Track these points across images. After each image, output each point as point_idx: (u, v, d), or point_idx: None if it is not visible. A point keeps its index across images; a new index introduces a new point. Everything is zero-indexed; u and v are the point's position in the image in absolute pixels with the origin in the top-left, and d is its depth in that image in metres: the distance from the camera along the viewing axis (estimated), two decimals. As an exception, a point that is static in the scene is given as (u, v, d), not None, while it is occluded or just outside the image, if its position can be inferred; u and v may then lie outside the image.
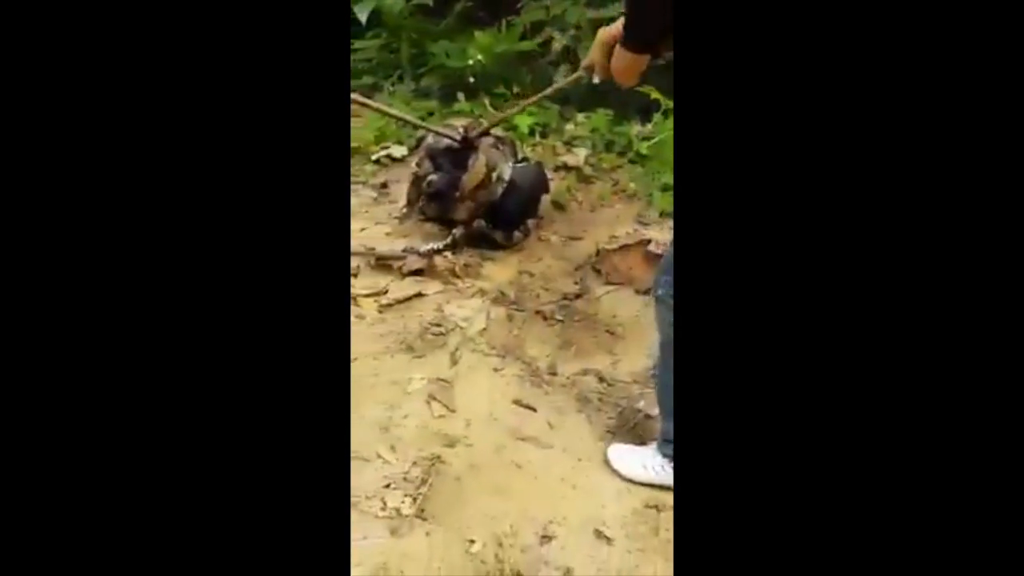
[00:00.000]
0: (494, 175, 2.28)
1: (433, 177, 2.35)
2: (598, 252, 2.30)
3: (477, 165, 2.28)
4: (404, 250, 2.27)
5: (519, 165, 2.38)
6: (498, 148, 2.34)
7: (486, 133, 2.35)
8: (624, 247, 2.27)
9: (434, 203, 2.38)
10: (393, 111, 2.56)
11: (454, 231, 2.35)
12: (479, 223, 2.33)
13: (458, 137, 2.30)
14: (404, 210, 2.58)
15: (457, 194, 2.30)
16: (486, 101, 3.06)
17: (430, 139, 2.42)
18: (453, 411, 1.71)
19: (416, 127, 2.64)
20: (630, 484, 1.52)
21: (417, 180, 2.43)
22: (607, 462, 1.54)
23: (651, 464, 1.50)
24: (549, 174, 2.54)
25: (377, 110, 2.41)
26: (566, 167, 2.65)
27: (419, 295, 2.13)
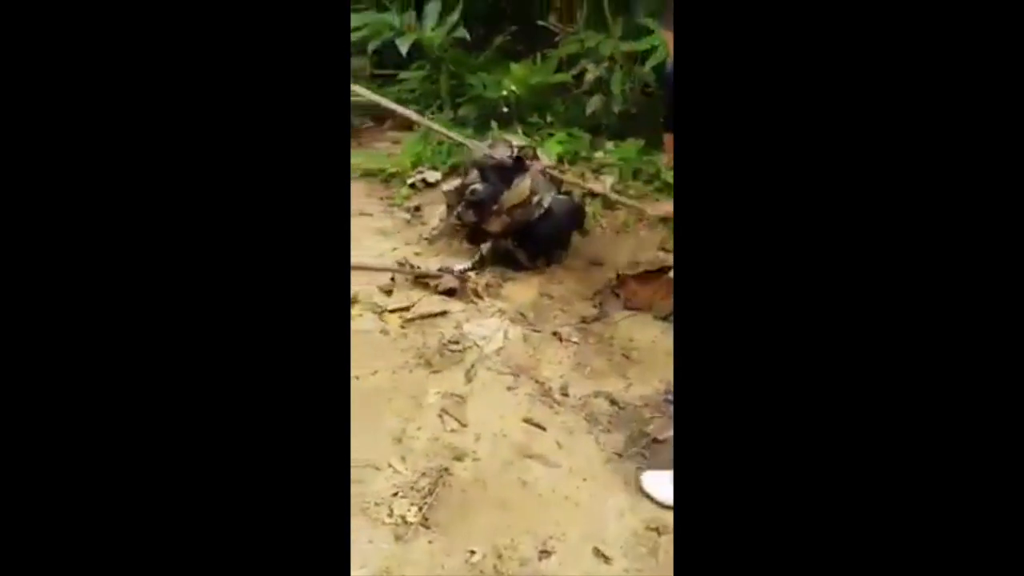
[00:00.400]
0: (535, 199, 2.37)
1: (478, 186, 2.47)
2: (618, 277, 2.33)
3: (522, 186, 2.38)
4: (440, 269, 2.37)
5: (559, 197, 2.47)
6: (545, 176, 2.43)
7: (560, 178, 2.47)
8: (645, 273, 2.30)
9: (472, 210, 2.49)
10: (430, 122, 2.69)
11: (482, 247, 2.44)
12: (507, 241, 2.42)
13: (510, 156, 2.41)
14: (433, 232, 2.69)
15: (496, 207, 2.40)
16: (519, 129, 3.17)
17: (478, 155, 2.52)
18: (465, 426, 1.77)
19: (456, 141, 2.76)
20: (632, 506, 1.53)
21: (461, 187, 2.54)
22: (641, 489, 1.55)
23: None
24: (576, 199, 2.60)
25: (416, 121, 2.51)
26: (592, 194, 2.71)
27: (442, 313, 2.21)
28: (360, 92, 2.24)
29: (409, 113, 2.35)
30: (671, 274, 2.25)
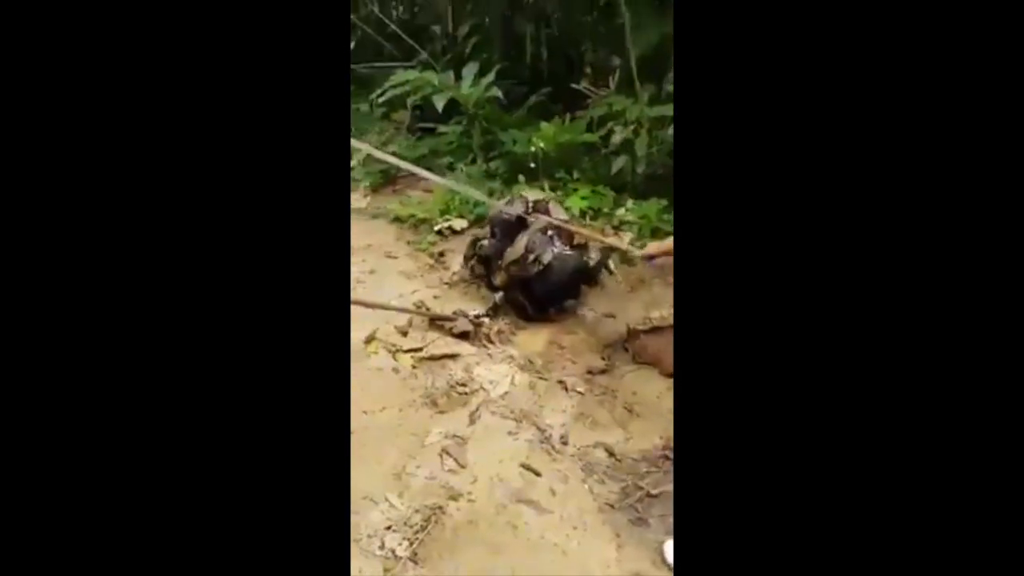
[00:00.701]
0: (531, 256, 2.45)
1: (485, 242, 2.63)
2: (629, 331, 2.37)
3: (518, 245, 2.47)
4: (455, 312, 2.46)
5: (565, 253, 2.50)
6: (546, 234, 2.50)
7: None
8: (655, 329, 2.34)
9: (481, 264, 2.66)
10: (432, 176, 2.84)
11: (495, 296, 2.53)
12: (515, 292, 2.50)
13: (525, 212, 2.52)
14: (453, 277, 2.80)
15: (500, 262, 2.49)
16: (545, 184, 3.30)
17: (497, 210, 2.64)
18: (463, 467, 1.81)
19: (468, 198, 2.88)
20: (619, 558, 1.53)
21: (474, 240, 2.70)
22: (664, 560, 1.52)
23: None
24: (594, 254, 2.62)
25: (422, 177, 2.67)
26: (610, 248, 2.78)
27: (453, 355, 2.28)
28: (373, 152, 2.42)
29: (416, 169, 2.52)
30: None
